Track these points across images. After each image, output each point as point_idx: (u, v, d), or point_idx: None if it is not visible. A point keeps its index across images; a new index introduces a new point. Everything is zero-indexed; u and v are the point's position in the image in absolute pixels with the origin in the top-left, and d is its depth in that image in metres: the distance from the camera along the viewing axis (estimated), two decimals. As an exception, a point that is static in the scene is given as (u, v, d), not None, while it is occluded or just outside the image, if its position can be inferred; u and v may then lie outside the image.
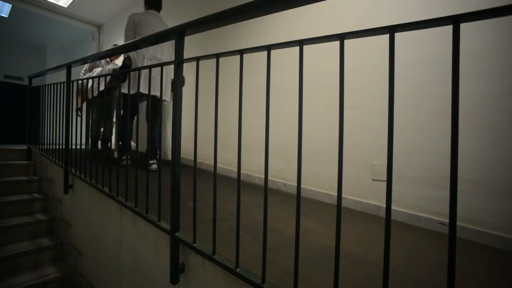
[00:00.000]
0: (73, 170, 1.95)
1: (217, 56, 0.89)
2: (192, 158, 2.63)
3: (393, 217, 1.43)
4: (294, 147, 1.97)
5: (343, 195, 1.60)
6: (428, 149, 1.41)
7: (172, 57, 2.42)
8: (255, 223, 1.26)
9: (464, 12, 0.49)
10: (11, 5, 4.47)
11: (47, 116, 2.47)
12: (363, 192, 1.64)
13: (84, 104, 2.72)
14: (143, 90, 2.08)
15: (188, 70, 2.31)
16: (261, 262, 0.75)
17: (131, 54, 2.21)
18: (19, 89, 5.01)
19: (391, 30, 0.57)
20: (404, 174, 1.48)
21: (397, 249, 1.09)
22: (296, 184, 0.88)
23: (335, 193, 1.72)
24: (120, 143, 2.11)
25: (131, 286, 1.35)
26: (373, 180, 1.60)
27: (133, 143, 2.83)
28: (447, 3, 1.37)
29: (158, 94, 2.13)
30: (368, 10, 1.65)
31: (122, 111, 2.16)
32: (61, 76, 2.05)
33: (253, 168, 2.28)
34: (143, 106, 2.72)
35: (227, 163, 2.51)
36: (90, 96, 2.30)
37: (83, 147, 2.09)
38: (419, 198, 1.43)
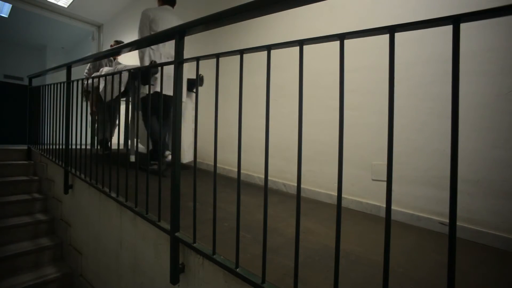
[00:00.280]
0: (73, 170, 1.95)
1: (217, 56, 0.89)
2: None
3: (393, 217, 1.43)
4: (294, 147, 1.97)
5: (343, 195, 1.60)
6: (428, 149, 1.41)
7: (186, 56, 2.38)
8: (255, 223, 1.26)
9: (464, 12, 0.49)
10: (11, 5, 4.47)
11: (47, 116, 2.47)
12: (363, 192, 1.64)
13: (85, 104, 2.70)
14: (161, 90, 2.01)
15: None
16: (261, 262, 0.75)
17: (147, 52, 2.12)
18: (19, 89, 5.01)
19: (391, 30, 0.57)
20: (404, 174, 1.48)
21: (397, 249, 1.09)
22: (296, 184, 0.87)
23: (335, 193, 1.72)
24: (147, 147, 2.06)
25: (131, 286, 1.35)
26: (373, 180, 1.60)
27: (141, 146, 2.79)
28: (447, 3, 1.37)
29: (170, 93, 2.09)
30: (368, 10, 1.65)
31: (147, 113, 2.10)
32: (61, 76, 2.05)
33: (253, 168, 2.28)
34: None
35: (227, 163, 2.52)
36: (108, 98, 2.20)
37: (86, 148, 2.08)
38: (419, 198, 1.43)
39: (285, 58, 2.01)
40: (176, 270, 1.01)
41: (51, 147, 2.32)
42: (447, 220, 0.73)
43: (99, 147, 2.29)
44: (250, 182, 2.26)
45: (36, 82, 3.03)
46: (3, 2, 4.22)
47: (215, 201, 0.91)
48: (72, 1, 4.20)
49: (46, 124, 2.52)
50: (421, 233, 1.32)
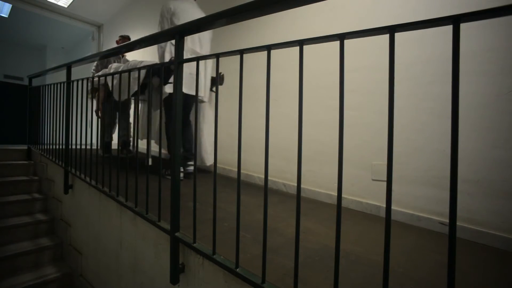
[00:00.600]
0: (73, 170, 1.95)
1: (217, 56, 0.89)
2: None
3: (393, 217, 1.43)
4: (294, 147, 1.97)
5: (343, 195, 1.60)
6: (428, 149, 1.41)
7: (210, 52, 2.24)
8: (255, 223, 1.26)
9: (464, 12, 0.49)
10: (11, 5, 4.47)
11: (47, 116, 2.47)
12: (363, 192, 1.64)
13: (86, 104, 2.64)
14: (186, 89, 1.83)
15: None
16: (261, 262, 0.75)
17: (168, 48, 1.97)
18: (19, 89, 5.02)
19: (391, 30, 0.57)
20: (404, 174, 1.48)
21: (397, 249, 1.09)
22: (296, 184, 0.87)
23: (335, 193, 1.72)
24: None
25: (131, 286, 1.35)
26: (373, 180, 1.60)
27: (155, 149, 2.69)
28: (447, 3, 1.37)
29: (192, 92, 1.93)
30: (368, 10, 1.65)
31: (164, 114, 1.95)
32: (61, 76, 2.04)
33: (253, 168, 2.28)
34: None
35: (227, 163, 2.52)
36: (123, 96, 1.98)
37: (86, 148, 2.07)
38: (419, 198, 1.43)
39: (285, 58, 2.01)
40: (176, 270, 1.01)
41: (51, 147, 2.33)
42: (447, 220, 0.73)
43: (100, 149, 2.21)
44: (250, 182, 2.26)
45: (36, 82, 3.03)
46: (3, 2, 4.22)
47: (215, 201, 0.91)
48: (72, 1, 4.20)
49: (46, 124, 2.52)
50: (421, 233, 1.32)
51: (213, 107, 0.96)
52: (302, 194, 1.87)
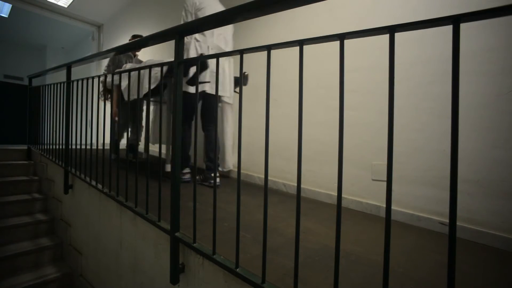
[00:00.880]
0: (73, 170, 1.95)
1: (217, 56, 0.89)
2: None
3: (393, 217, 1.43)
4: (294, 147, 1.97)
5: (343, 195, 1.60)
6: (428, 149, 1.41)
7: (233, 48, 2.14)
8: (255, 223, 1.26)
9: (464, 12, 0.49)
10: (11, 5, 4.47)
11: (47, 116, 2.47)
12: (363, 192, 1.64)
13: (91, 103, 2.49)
14: (207, 89, 1.77)
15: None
16: (261, 262, 0.75)
17: (192, 44, 1.85)
18: (19, 89, 5.02)
19: (391, 30, 0.57)
20: (404, 174, 1.48)
21: (397, 249, 1.09)
22: (296, 184, 0.88)
23: (335, 193, 1.72)
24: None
25: (131, 286, 1.35)
26: (373, 180, 1.60)
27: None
28: (447, 3, 1.37)
29: (214, 92, 1.85)
30: (368, 10, 1.65)
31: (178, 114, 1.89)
32: (61, 76, 2.04)
33: (253, 168, 2.28)
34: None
35: (227, 163, 2.51)
36: (140, 95, 1.87)
37: (86, 148, 2.06)
38: (419, 198, 1.43)
39: (285, 58, 2.01)
40: (176, 270, 1.01)
41: (51, 147, 2.33)
42: (447, 220, 0.73)
43: (112, 153, 2.09)
44: (250, 182, 2.26)
45: (36, 82, 3.03)
46: (3, 2, 4.22)
47: (215, 201, 0.91)
48: (72, 1, 4.21)
49: (46, 124, 2.52)
50: (421, 233, 1.32)
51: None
52: (302, 194, 1.87)
